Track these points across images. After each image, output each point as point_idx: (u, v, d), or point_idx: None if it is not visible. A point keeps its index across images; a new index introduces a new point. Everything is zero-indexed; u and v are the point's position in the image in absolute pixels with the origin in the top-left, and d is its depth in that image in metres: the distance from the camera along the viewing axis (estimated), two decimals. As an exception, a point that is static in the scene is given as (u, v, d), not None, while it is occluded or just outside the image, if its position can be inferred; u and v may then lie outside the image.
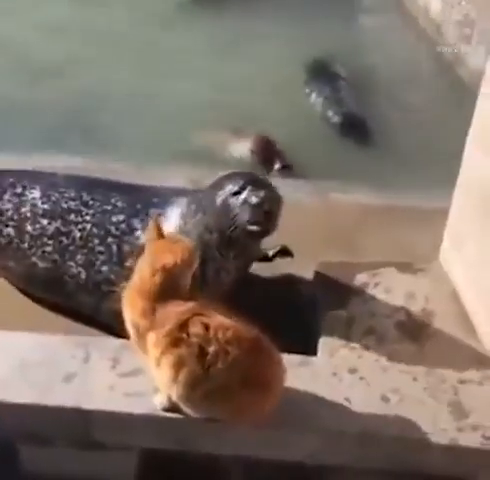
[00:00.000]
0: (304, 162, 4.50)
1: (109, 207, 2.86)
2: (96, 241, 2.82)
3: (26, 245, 2.94)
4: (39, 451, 2.35)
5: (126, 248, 2.77)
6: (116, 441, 2.29)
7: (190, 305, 2.07)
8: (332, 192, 3.89)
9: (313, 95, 5.00)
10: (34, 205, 2.96)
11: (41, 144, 4.22)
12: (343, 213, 3.66)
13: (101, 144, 4.36)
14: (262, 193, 2.59)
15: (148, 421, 2.24)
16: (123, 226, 2.80)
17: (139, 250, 2.68)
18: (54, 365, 2.37)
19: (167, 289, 2.09)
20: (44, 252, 2.91)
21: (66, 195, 2.94)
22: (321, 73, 5.18)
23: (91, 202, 2.90)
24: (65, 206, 2.91)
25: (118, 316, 2.72)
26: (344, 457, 2.25)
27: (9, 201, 3.00)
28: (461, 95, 5.14)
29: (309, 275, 3.15)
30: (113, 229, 2.81)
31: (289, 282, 3.24)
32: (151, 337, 2.06)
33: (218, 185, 2.73)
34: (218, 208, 2.67)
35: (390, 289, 2.90)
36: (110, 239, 2.81)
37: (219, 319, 2.04)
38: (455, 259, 2.94)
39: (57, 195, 2.96)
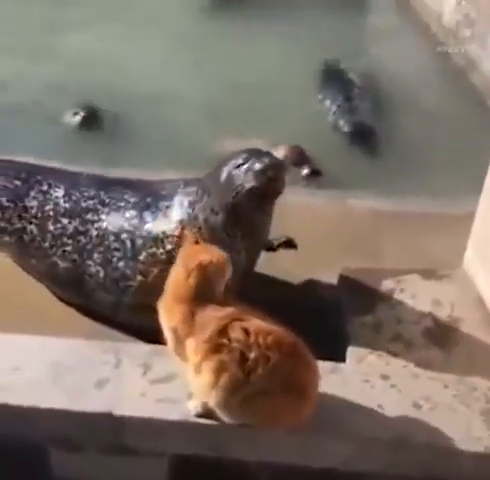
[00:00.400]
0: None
1: (122, 203, 2.90)
2: (111, 238, 2.85)
3: (47, 244, 2.97)
4: (70, 456, 2.35)
5: (139, 242, 2.80)
6: (148, 447, 2.30)
7: (229, 310, 2.08)
8: (347, 199, 3.93)
9: (327, 102, 5.01)
10: (57, 204, 2.99)
11: (60, 150, 4.24)
12: (359, 220, 3.69)
13: (123, 150, 4.38)
14: (266, 159, 2.60)
15: (181, 427, 2.24)
16: (135, 221, 2.83)
17: (151, 243, 2.77)
18: (86, 371, 2.37)
19: (203, 291, 2.10)
20: (64, 252, 2.93)
21: (86, 194, 2.98)
22: (335, 80, 5.20)
23: (107, 200, 2.93)
24: (84, 205, 2.94)
25: (136, 312, 2.79)
26: (377, 463, 2.26)
27: (34, 198, 3.03)
28: (474, 101, 5.18)
29: (329, 281, 3.18)
30: (126, 225, 2.84)
31: (310, 287, 3.25)
32: (190, 343, 2.07)
33: (221, 164, 2.74)
34: (222, 184, 2.67)
35: (416, 295, 2.90)
36: (124, 235, 2.83)
37: (258, 324, 2.05)
38: (480, 266, 2.94)
39: (78, 194, 2.99)
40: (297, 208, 3.60)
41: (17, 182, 3.10)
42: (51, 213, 2.98)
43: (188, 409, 2.23)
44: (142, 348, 2.48)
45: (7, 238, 3.07)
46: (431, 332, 2.74)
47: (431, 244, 3.47)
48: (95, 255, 2.86)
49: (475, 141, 4.82)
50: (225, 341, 2.02)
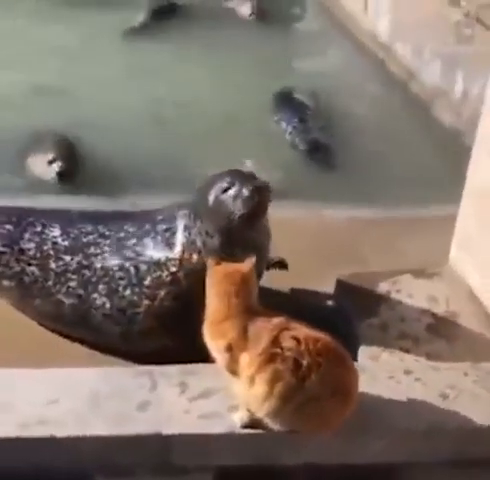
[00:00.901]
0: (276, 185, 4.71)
1: (123, 234, 2.96)
2: (115, 268, 2.90)
3: (51, 282, 2.98)
4: (118, 482, 2.39)
5: (143, 267, 2.87)
6: (196, 463, 2.36)
7: (277, 320, 2.20)
8: (315, 211, 4.11)
9: (283, 123, 5.25)
10: (55, 243, 3.01)
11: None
12: (333, 230, 3.84)
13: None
14: (251, 185, 2.71)
15: (229, 440, 2.32)
16: (137, 248, 2.90)
17: (155, 267, 2.84)
18: (125, 395, 2.42)
19: (249, 303, 2.22)
20: (69, 287, 2.95)
21: (84, 230, 3.02)
22: (288, 102, 5.43)
23: (107, 233, 2.99)
24: (85, 240, 2.98)
25: (146, 337, 2.86)
26: (414, 453, 2.40)
27: (30, 240, 3.04)
28: (418, 111, 5.48)
29: (319, 290, 3.31)
30: (129, 253, 2.90)
31: (304, 297, 3.37)
32: (244, 358, 2.16)
33: (207, 187, 2.83)
34: (212, 209, 2.78)
35: (412, 294, 3.08)
36: (127, 263, 2.89)
37: (305, 331, 2.18)
38: (467, 262, 3.15)
39: (76, 231, 3.02)
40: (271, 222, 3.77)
41: (9, 227, 3.10)
42: (51, 252, 3.00)
43: (233, 421, 2.32)
44: (174, 369, 2.54)
45: (7, 282, 3.07)
46: (433, 327, 2.92)
47: (409, 246, 3.68)
48: (100, 287, 2.90)
49: (423, 148, 5.14)
50: (278, 351, 2.12)
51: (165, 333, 2.87)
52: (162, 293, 2.83)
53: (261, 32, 6.82)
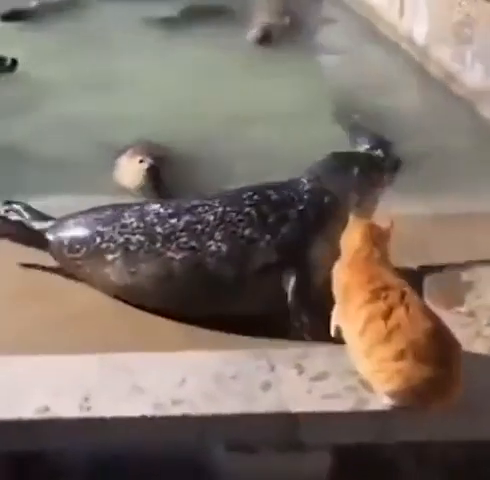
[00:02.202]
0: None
1: (233, 192, 3.17)
2: (233, 214, 3.05)
3: (159, 244, 3.09)
4: (242, 459, 2.50)
5: (265, 209, 3.04)
6: (320, 441, 2.47)
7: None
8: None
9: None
10: (157, 213, 3.15)
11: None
12: (405, 225, 3.95)
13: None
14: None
15: (352, 418, 2.44)
16: (256, 196, 3.09)
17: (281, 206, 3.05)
18: (246, 376, 2.55)
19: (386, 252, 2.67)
20: (179, 243, 3.07)
21: (186, 199, 3.21)
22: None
23: (213, 196, 3.17)
24: (188, 205, 3.14)
25: (261, 279, 3.00)
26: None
27: (131, 216, 3.19)
28: (462, 111, 5.64)
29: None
30: (247, 201, 3.07)
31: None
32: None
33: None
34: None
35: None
36: (247, 208, 3.06)
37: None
38: None
39: (178, 201, 3.23)
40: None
41: (107, 212, 3.28)
42: (155, 220, 3.14)
43: (354, 400, 2.44)
44: (289, 352, 2.68)
45: (111, 256, 3.17)
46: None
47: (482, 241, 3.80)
48: (216, 233, 3.04)
49: (470, 145, 5.27)
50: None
51: (283, 268, 2.99)
52: (284, 230, 3.01)
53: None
